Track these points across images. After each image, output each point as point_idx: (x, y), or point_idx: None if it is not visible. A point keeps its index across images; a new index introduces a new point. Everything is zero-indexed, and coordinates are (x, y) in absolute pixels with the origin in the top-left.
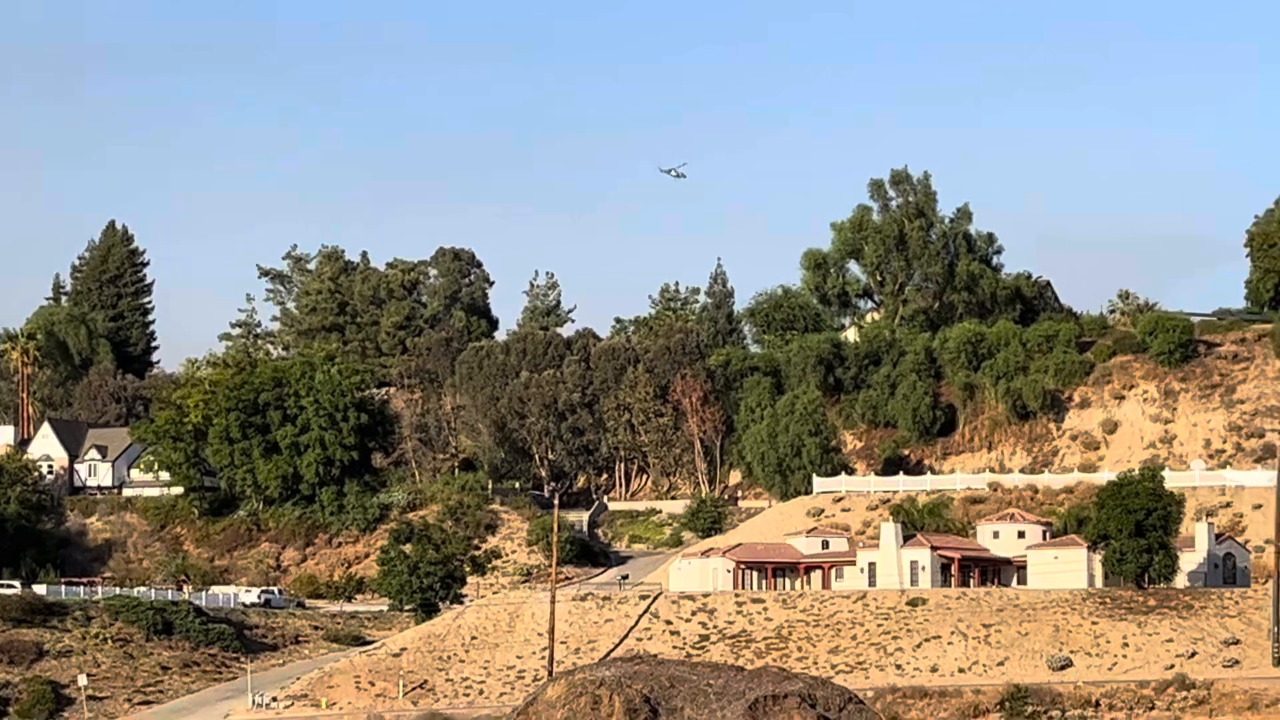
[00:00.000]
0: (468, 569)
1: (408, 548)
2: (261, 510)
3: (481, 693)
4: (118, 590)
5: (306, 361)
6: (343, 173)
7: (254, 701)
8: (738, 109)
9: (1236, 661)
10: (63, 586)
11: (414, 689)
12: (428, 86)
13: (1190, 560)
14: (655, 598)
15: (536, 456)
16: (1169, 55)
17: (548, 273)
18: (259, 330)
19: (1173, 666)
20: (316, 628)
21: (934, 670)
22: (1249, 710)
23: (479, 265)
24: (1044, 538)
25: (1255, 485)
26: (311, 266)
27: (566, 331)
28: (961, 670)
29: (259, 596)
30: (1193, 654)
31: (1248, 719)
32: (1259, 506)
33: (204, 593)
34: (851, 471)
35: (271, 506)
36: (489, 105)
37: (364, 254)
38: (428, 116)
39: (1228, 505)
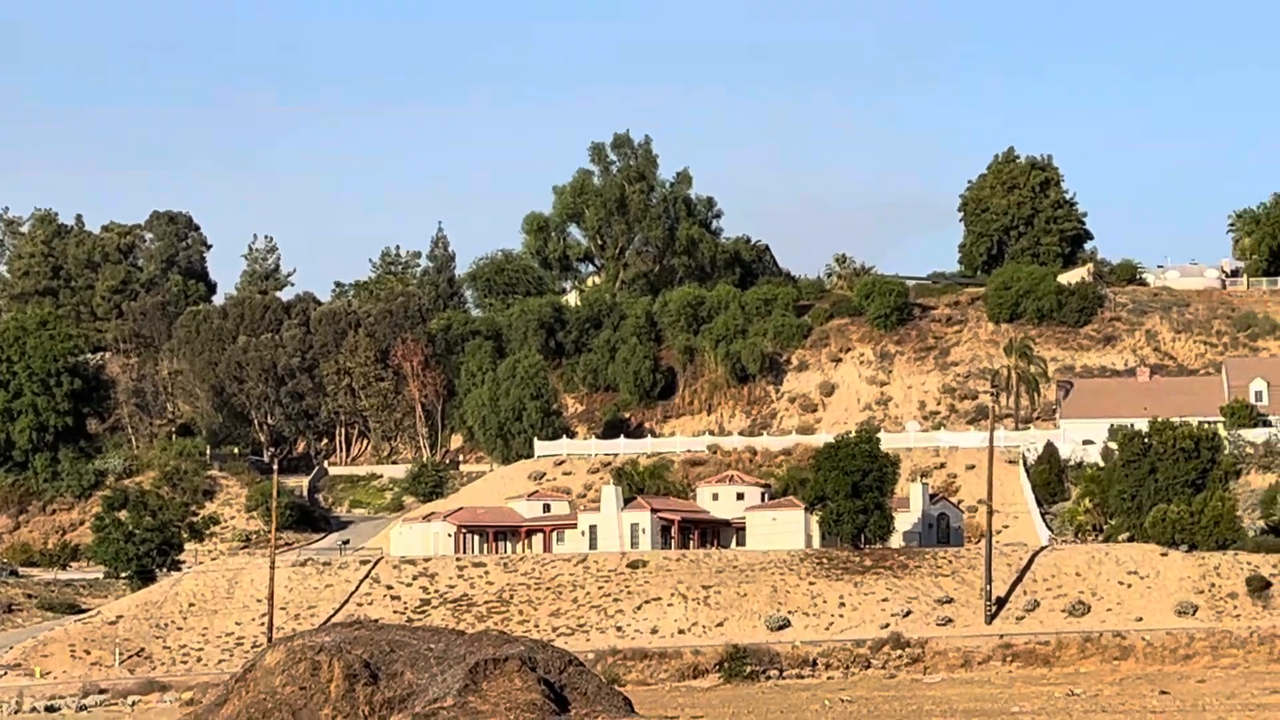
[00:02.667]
0: (185, 535)
1: (123, 514)
2: None
3: (200, 660)
4: None
5: (19, 326)
6: (54, 135)
7: None
8: (458, 71)
9: (950, 620)
10: None
11: (130, 657)
12: (140, 46)
13: (905, 520)
14: (376, 562)
15: (256, 421)
16: (883, 17)
17: (266, 236)
18: None
19: (888, 625)
20: (30, 596)
21: (654, 632)
22: (962, 668)
23: (196, 229)
24: (762, 499)
25: (968, 446)
26: (24, 229)
27: (286, 295)
28: (681, 631)
29: None
30: (908, 613)
31: (961, 676)
32: (972, 467)
33: None
34: (573, 435)
35: None
36: (202, 65)
37: (78, 217)
38: (140, 77)
39: (942, 466)
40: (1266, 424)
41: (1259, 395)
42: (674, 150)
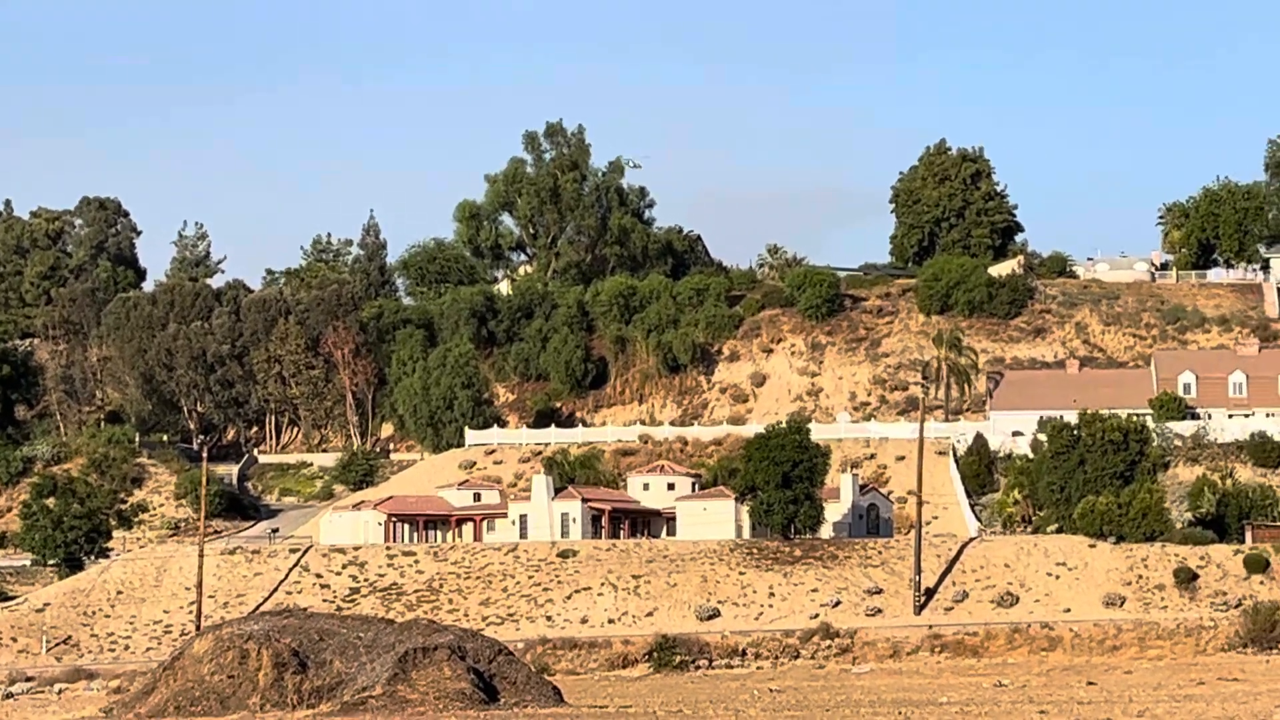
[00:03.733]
0: (114, 523)
1: (51, 501)
2: None
3: (127, 648)
4: None
5: None
6: None
7: None
8: (391, 59)
9: (879, 610)
10: None
11: (58, 645)
12: (70, 29)
13: (835, 511)
14: (305, 551)
15: (185, 409)
16: (815, 7)
17: (197, 223)
18: None
19: (817, 615)
20: None
21: (584, 621)
22: (891, 658)
23: (126, 215)
24: (693, 489)
25: (898, 437)
26: None
27: (216, 282)
28: (611, 621)
29: None
30: (837, 603)
31: (890, 666)
32: (902, 458)
33: None
34: (504, 424)
35: None
36: (133, 50)
37: (7, 202)
38: (70, 61)
39: (872, 457)
40: (1194, 416)
41: (1187, 388)
42: (607, 139)
